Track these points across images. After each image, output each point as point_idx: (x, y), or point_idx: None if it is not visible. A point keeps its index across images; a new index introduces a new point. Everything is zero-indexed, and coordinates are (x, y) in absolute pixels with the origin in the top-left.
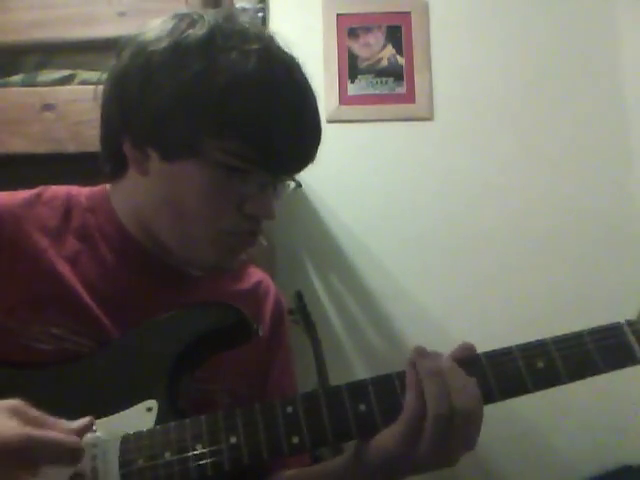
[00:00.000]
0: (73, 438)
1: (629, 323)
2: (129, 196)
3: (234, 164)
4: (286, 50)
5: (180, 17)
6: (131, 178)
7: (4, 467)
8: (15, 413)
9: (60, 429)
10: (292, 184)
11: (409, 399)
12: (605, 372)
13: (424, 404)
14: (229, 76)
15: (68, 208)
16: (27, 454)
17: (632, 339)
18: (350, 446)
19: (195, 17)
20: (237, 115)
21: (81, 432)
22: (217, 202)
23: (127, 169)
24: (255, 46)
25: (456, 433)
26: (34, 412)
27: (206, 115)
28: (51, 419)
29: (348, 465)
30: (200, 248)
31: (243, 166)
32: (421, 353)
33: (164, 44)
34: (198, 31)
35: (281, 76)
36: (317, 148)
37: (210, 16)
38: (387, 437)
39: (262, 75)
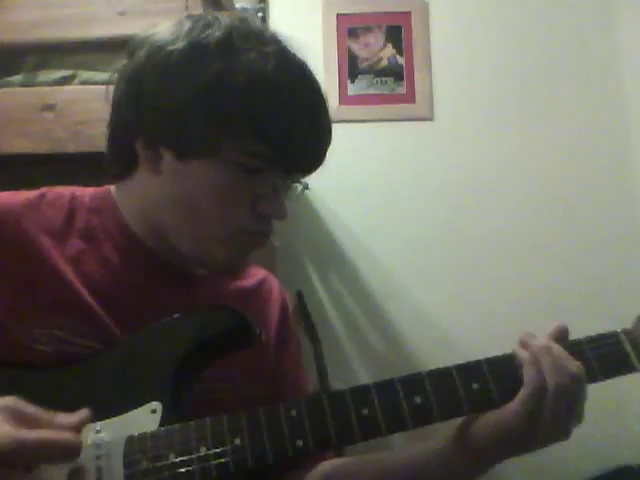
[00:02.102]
0: (67, 434)
1: (625, 332)
2: (137, 196)
3: (251, 164)
4: (298, 53)
5: (196, 18)
6: (140, 178)
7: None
8: (8, 413)
9: (56, 425)
10: (299, 186)
11: (530, 375)
12: (602, 380)
13: (544, 378)
14: (248, 76)
15: (72, 209)
16: (19, 457)
17: (629, 347)
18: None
19: (210, 18)
20: (256, 115)
21: (78, 426)
22: (231, 202)
23: (135, 169)
24: (272, 48)
25: (574, 403)
26: (29, 409)
27: (225, 115)
28: (47, 415)
29: (445, 450)
30: (211, 248)
31: (260, 165)
32: (530, 335)
33: (183, 43)
34: (216, 32)
35: (298, 77)
36: (328, 148)
37: (225, 18)
38: (506, 416)
39: (281, 76)
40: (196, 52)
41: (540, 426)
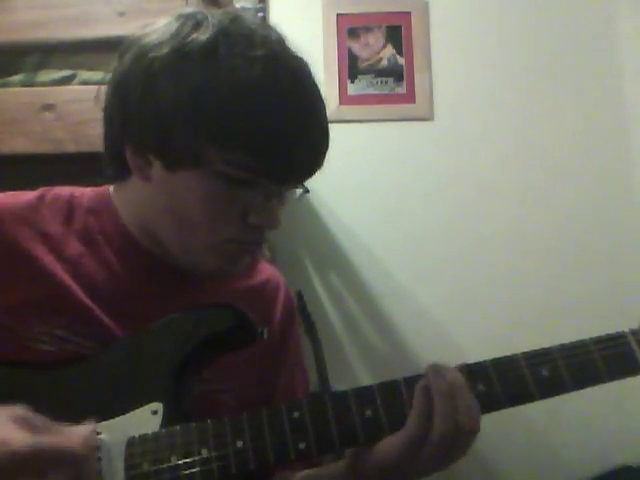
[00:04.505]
0: (79, 444)
1: (633, 332)
2: (132, 199)
3: (238, 175)
4: (294, 54)
5: (184, 18)
6: (134, 182)
7: (11, 476)
8: (20, 421)
9: (65, 435)
10: (299, 190)
11: (414, 417)
12: (609, 381)
13: (430, 422)
14: (233, 85)
15: (70, 210)
16: (34, 462)
17: (636, 348)
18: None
19: (199, 18)
20: (241, 125)
21: (86, 437)
22: (220, 213)
23: (130, 173)
24: (261, 52)
25: (457, 448)
26: (38, 419)
27: (208, 125)
28: (55, 425)
29: (344, 472)
30: (201, 256)
31: (247, 177)
32: (436, 371)
33: (166, 49)
34: (201, 35)
35: (287, 84)
36: (325, 154)
37: (215, 18)
38: (388, 448)
39: (267, 83)
40: (179, 59)
41: (419, 463)
